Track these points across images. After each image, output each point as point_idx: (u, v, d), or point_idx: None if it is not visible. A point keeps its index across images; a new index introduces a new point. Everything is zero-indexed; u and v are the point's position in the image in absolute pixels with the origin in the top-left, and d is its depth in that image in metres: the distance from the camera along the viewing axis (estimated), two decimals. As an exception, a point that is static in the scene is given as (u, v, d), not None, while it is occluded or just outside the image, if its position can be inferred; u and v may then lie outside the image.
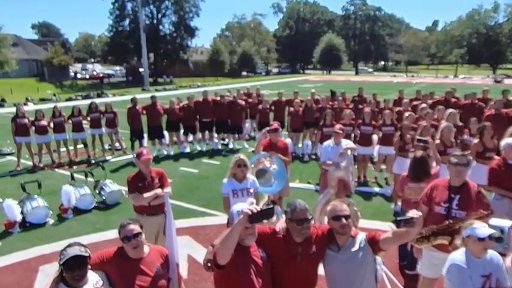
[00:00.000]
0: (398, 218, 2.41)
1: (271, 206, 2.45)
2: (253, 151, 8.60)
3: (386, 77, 57.00)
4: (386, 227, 5.73)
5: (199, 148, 11.45)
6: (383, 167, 8.49)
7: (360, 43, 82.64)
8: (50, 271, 2.47)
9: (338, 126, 6.05)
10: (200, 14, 55.25)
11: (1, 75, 34.53)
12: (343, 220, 2.63)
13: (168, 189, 4.29)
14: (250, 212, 2.32)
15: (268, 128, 5.74)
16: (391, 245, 2.68)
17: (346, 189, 5.63)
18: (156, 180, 4.31)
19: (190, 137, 11.58)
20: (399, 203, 5.88)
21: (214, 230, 5.75)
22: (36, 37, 74.54)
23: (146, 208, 4.21)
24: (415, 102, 10.56)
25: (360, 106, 10.62)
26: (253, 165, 4.52)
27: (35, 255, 5.38)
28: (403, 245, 4.09)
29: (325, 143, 5.99)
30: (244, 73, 63.69)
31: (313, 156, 10.28)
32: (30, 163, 9.80)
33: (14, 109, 9.90)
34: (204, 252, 2.93)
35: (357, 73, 71.57)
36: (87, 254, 2.43)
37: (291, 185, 6.82)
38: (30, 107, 21.27)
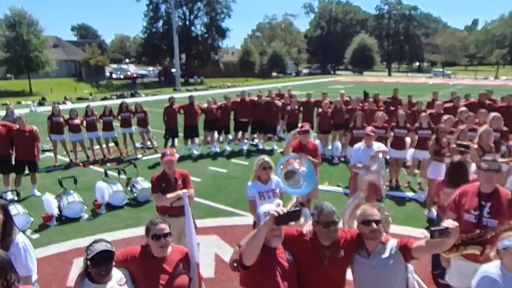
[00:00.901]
0: (433, 228, 2.30)
1: (298, 208, 2.41)
2: (281, 152, 8.56)
3: (421, 78, 55.25)
4: (418, 234, 5.54)
5: (229, 148, 11.53)
6: (416, 171, 8.21)
7: (393, 43, 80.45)
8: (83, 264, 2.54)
9: (369, 128, 5.91)
10: (231, 15, 55.72)
11: (42, 75, 36.31)
12: (373, 225, 2.55)
13: (191, 191, 4.26)
14: (276, 214, 2.30)
15: (298, 129, 5.69)
16: (423, 254, 2.57)
17: (377, 193, 5.49)
18: (179, 182, 4.29)
19: (220, 137, 11.70)
20: (433, 209, 5.67)
21: (242, 230, 5.77)
22: (75, 39, 77.98)
23: (168, 209, 4.21)
24: (447, 105, 10.14)
25: (392, 108, 10.34)
26: (282, 167, 4.49)
27: (70, 248, 5.59)
28: (437, 253, 3.93)
29: (356, 146, 5.88)
30: (274, 74, 63.61)
31: (343, 159, 10.12)
32: (67, 159, 10.23)
33: (53, 108, 10.35)
34: (232, 251, 2.94)
35: (389, 74, 69.72)
36: (113, 250, 2.48)
37: (320, 187, 6.73)
38: (68, 105, 22.24)
